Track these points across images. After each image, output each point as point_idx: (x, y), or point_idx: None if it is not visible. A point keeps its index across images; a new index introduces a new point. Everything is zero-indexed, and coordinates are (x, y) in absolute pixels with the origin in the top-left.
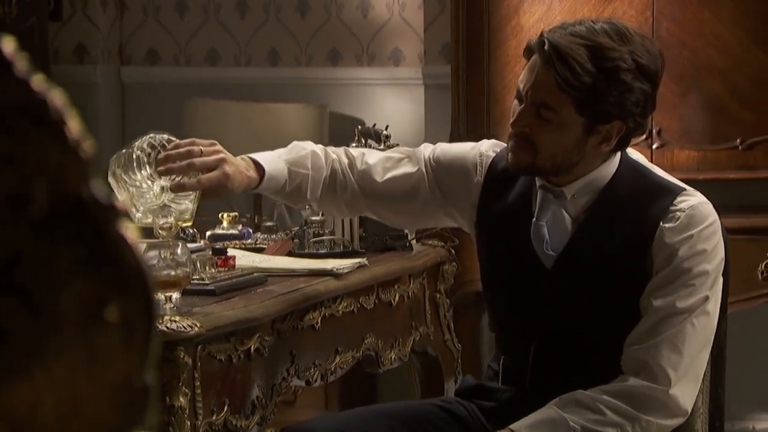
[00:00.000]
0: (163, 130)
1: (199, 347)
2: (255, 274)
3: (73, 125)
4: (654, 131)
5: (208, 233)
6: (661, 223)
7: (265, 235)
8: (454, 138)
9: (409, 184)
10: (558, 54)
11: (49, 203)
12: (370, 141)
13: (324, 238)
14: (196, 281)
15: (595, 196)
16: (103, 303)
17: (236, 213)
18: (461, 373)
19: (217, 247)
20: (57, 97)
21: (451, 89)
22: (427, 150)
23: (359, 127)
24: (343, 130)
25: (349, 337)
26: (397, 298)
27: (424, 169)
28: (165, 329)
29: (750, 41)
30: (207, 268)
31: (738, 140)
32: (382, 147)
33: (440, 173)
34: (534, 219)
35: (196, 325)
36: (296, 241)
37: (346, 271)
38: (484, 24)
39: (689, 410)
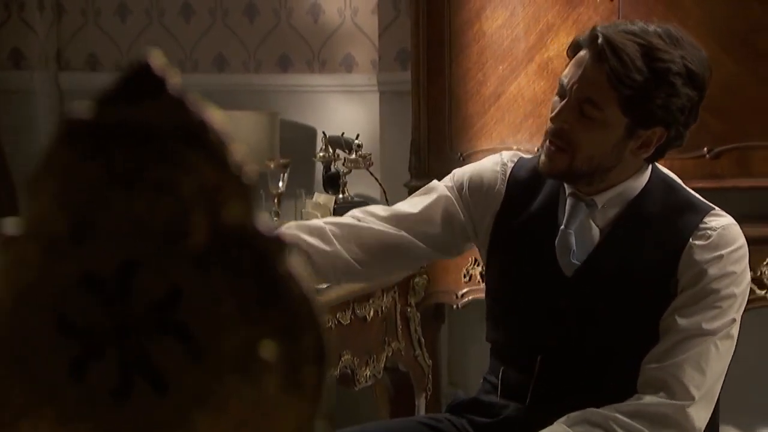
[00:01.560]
0: None
1: None
2: None
3: (235, 148)
4: None
5: None
6: (690, 239)
7: None
8: (414, 146)
9: (443, 208)
10: (611, 48)
11: (209, 235)
12: (338, 151)
13: None
14: None
15: (624, 207)
16: (270, 348)
17: None
18: (431, 389)
19: None
20: (216, 117)
21: (412, 96)
22: (439, 181)
23: (325, 135)
24: (296, 138)
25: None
26: (371, 313)
27: (448, 192)
28: None
29: (718, 48)
30: None
31: (705, 149)
32: (353, 156)
33: (463, 191)
34: (562, 227)
35: None
36: None
37: (325, 286)
38: (445, 29)
39: None
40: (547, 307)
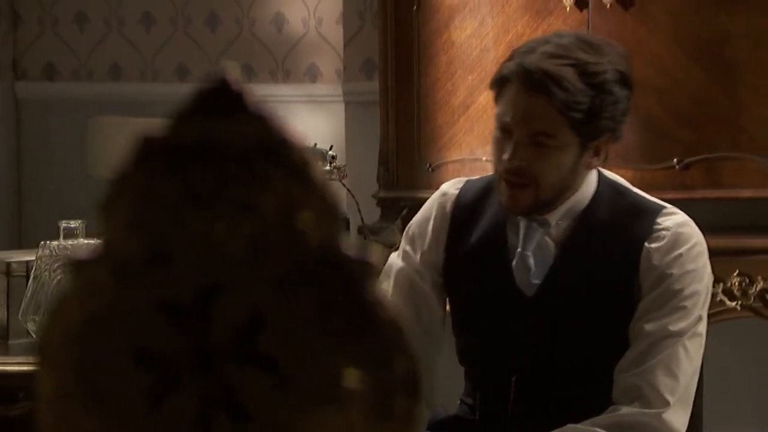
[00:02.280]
0: (63, 150)
1: None
2: None
3: (318, 166)
4: None
5: None
6: (646, 244)
7: None
8: (383, 156)
9: (407, 285)
10: (551, 79)
11: (292, 257)
12: None
13: None
14: None
15: (575, 219)
16: (354, 377)
17: None
18: None
19: None
20: (297, 134)
21: (380, 106)
22: (395, 252)
23: None
24: None
25: None
26: None
27: (402, 262)
28: None
29: (686, 60)
30: None
31: (675, 160)
32: (328, 168)
33: (415, 243)
34: (519, 249)
35: None
36: None
37: None
38: (414, 39)
39: None
40: (513, 329)
